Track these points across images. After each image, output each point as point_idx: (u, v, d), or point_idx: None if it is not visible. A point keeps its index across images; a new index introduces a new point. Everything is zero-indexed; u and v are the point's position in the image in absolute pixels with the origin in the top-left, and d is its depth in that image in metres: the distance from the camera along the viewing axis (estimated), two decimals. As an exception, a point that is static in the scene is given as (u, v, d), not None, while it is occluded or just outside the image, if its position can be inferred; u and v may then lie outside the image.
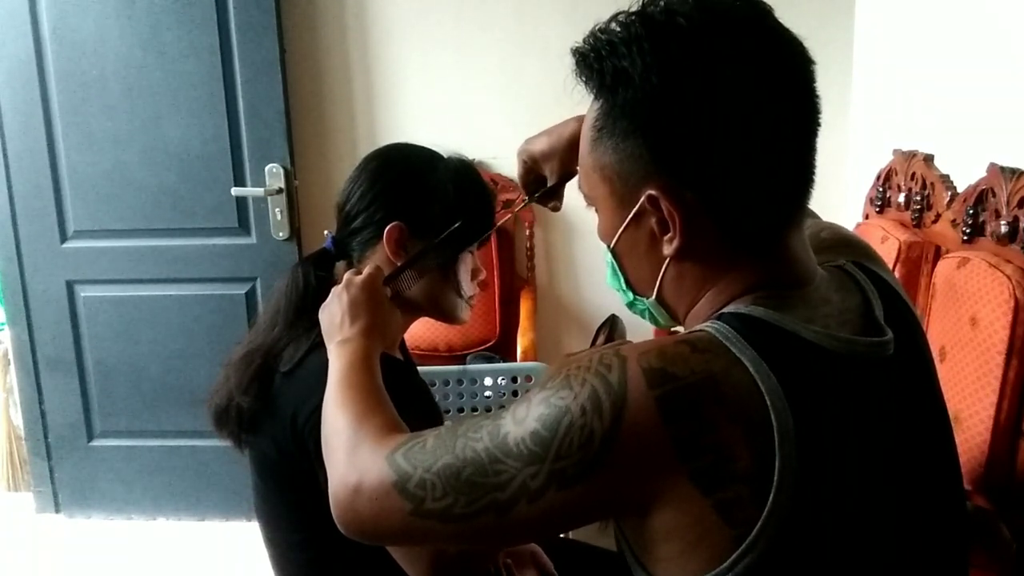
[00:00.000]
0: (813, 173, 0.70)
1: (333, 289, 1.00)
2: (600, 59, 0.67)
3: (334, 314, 0.97)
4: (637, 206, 0.69)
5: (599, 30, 0.68)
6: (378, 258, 1.09)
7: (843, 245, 0.82)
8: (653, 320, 0.77)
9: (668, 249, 0.68)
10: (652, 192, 0.67)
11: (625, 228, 0.71)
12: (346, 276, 1.01)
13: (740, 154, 0.65)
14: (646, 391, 0.60)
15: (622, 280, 0.76)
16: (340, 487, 0.74)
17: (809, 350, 0.65)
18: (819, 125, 0.68)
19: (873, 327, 0.71)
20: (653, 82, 0.64)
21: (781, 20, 0.68)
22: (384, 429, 0.77)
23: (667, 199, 0.66)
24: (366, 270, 1.01)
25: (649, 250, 0.71)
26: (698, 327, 0.66)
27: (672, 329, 0.80)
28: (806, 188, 0.70)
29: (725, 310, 0.68)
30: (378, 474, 0.71)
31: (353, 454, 0.75)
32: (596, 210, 0.75)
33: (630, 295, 0.76)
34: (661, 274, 0.71)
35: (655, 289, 0.73)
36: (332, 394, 0.86)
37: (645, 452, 0.60)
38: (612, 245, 0.74)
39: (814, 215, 0.89)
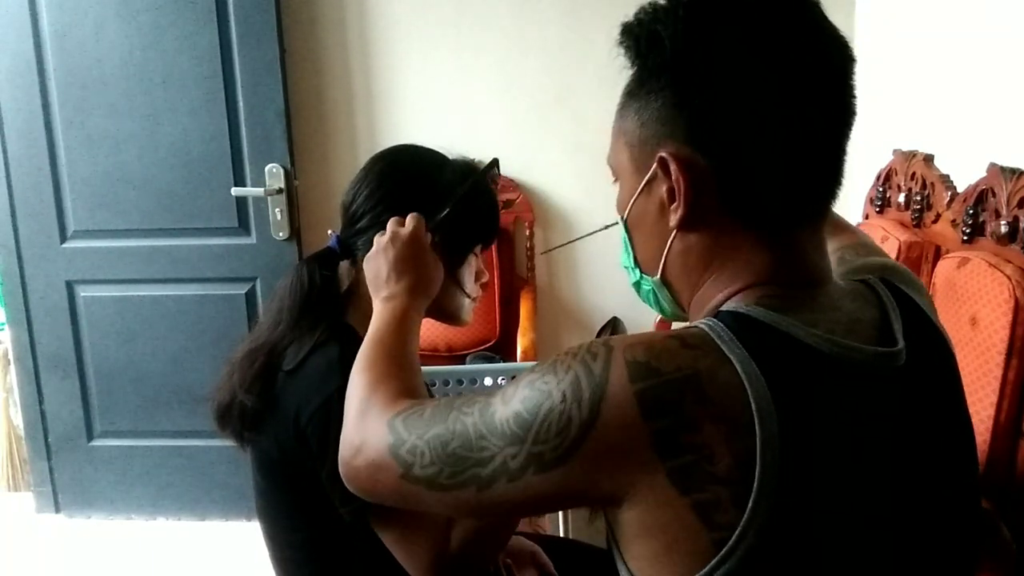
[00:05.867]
0: (836, 177, 0.69)
1: (377, 239, 1.00)
2: (640, 25, 0.67)
3: (380, 268, 0.98)
4: (650, 172, 0.69)
5: (648, 2, 0.68)
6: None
7: (882, 268, 0.80)
8: (658, 306, 0.77)
9: (673, 219, 0.68)
10: (663, 154, 0.67)
11: (637, 197, 0.72)
12: (391, 228, 1.00)
13: (758, 127, 0.64)
14: (626, 384, 0.59)
15: (631, 256, 0.76)
16: (346, 446, 0.79)
17: (806, 354, 0.63)
18: (849, 126, 0.68)
19: (887, 341, 0.69)
20: (681, 44, 0.64)
21: None
22: (396, 395, 0.80)
23: (677, 163, 0.66)
24: (409, 222, 1.01)
25: (657, 221, 0.71)
26: (693, 323, 0.66)
27: (675, 323, 0.79)
28: (826, 188, 0.69)
29: (724, 308, 0.67)
30: (377, 437, 0.74)
31: (363, 416, 0.79)
32: (617, 182, 0.76)
33: (637, 273, 0.76)
34: (666, 248, 0.71)
35: (660, 266, 0.72)
36: (363, 351, 0.89)
37: (622, 445, 0.59)
38: (625, 216, 0.75)
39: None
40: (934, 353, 0.73)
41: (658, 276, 0.73)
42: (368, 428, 0.76)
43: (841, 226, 0.95)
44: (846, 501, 0.62)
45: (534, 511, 0.69)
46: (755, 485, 0.57)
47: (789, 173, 0.66)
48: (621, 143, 0.72)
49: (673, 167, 0.66)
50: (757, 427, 0.58)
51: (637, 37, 0.68)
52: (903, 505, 0.67)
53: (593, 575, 1.32)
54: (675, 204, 0.68)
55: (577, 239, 1.04)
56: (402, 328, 0.92)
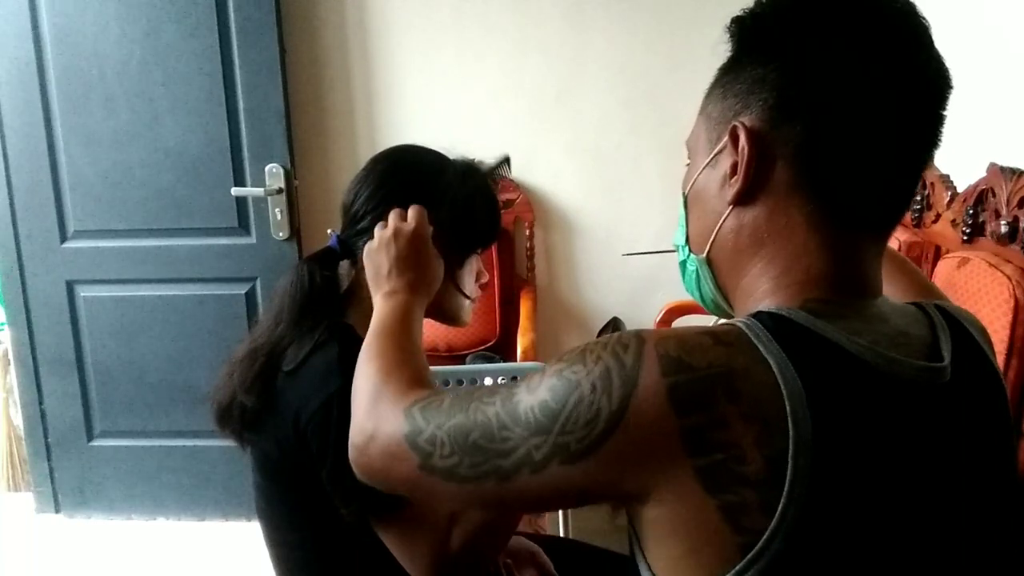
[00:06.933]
0: (908, 192, 0.69)
1: (379, 232, 1.01)
2: (748, 10, 0.69)
3: (380, 264, 0.98)
4: (720, 144, 0.69)
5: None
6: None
7: (950, 307, 0.79)
8: (698, 290, 0.76)
9: (730, 193, 0.68)
10: (736, 123, 0.67)
11: (702, 170, 0.72)
12: (393, 223, 1.00)
13: (844, 111, 0.64)
14: (658, 378, 0.58)
15: (684, 233, 0.76)
16: (357, 433, 0.76)
17: (846, 361, 0.61)
18: (931, 148, 0.68)
19: (933, 358, 0.67)
20: (781, 23, 0.65)
21: None
22: (409, 383, 0.78)
23: (747, 134, 0.66)
24: (412, 217, 1.01)
25: (716, 196, 0.70)
26: (729, 321, 0.65)
27: (676, 323, 0.79)
28: (896, 199, 0.68)
29: (765, 307, 0.66)
30: (393, 425, 0.72)
31: (375, 403, 0.77)
32: (688, 164, 0.76)
33: (685, 251, 0.76)
34: (719, 224, 0.70)
35: (709, 243, 0.72)
36: (368, 343, 0.88)
37: (650, 439, 0.58)
38: (687, 191, 0.75)
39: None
40: (982, 378, 0.72)
41: (705, 253, 0.73)
42: (382, 415, 0.74)
43: (937, 293, 0.94)
44: (876, 511, 0.61)
45: (555, 505, 0.67)
46: (785, 490, 0.56)
47: (864, 165, 0.65)
48: (701, 118, 0.73)
49: (743, 137, 0.66)
50: (791, 430, 0.57)
51: (742, 20, 0.69)
52: (934, 519, 0.65)
53: (593, 575, 1.32)
54: (735, 178, 0.67)
55: (663, 251, 0.99)
56: (406, 321, 0.92)
